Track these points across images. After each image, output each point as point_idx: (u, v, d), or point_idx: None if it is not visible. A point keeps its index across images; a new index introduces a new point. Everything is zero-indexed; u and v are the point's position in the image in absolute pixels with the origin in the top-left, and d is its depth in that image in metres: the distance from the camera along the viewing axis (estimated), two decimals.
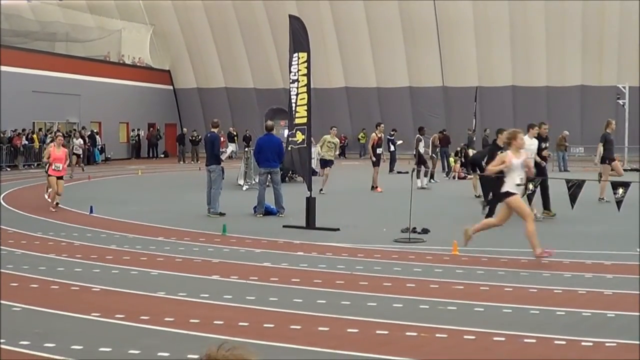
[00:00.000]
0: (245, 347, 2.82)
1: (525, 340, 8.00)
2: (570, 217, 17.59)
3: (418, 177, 27.72)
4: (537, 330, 8.33)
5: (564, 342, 7.92)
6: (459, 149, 34.88)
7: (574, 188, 15.19)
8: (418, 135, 29.47)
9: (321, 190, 24.18)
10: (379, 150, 27.05)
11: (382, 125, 28.56)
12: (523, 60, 50.66)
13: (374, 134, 27.41)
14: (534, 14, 48.94)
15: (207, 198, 19.88)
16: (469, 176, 32.43)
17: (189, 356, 7.39)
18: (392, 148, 37.65)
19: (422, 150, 29.01)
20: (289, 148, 18.27)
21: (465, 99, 48.13)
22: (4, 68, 42.85)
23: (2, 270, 11.94)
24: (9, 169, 40.08)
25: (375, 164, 26.86)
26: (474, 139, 39.81)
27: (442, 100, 53.29)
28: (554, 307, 9.41)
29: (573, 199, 15.20)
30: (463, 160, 34.13)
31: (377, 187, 26.55)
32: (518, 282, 10.95)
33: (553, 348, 7.80)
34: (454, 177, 33.22)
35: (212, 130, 20.95)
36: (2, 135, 41.39)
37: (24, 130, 43.06)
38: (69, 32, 53.28)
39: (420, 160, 28.42)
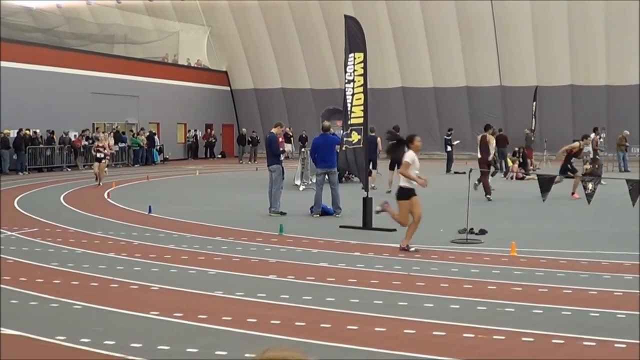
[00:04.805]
0: (294, 348, 2.80)
1: (585, 343, 7.90)
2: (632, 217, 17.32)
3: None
4: (596, 333, 8.22)
5: (624, 346, 7.81)
6: (516, 149, 34.62)
7: (635, 188, 14.98)
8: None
9: None
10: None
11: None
12: (582, 59, 49.99)
13: (577, 143, 25.42)
14: (592, 11, 48.24)
15: (268, 197, 20.00)
16: (527, 176, 32.18)
17: (246, 355, 7.44)
18: (448, 148, 37.48)
19: (492, 150, 28.48)
20: (344, 148, 18.26)
21: (523, 98, 47.71)
22: (64, 70, 43.59)
23: (63, 269, 12.16)
24: (69, 169, 40.70)
25: (573, 170, 24.89)
26: (533, 138, 39.45)
27: (500, 100, 52.83)
28: (613, 310, 9.28)
29: (634, 198, 15.00)
30: (521, 160, 33.86)
31: (574, 194, 24.09)
32: (577, 284, 10.82)
33: (613, 351, 7.69)
34: (511, 178, 32.91)
35: (272, 130, 21.09)
36: (64, 135, 42.09)
37: (84, 131, 43.68)
38: (128, 34, 53.95)
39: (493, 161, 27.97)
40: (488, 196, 23.37)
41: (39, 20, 51.33)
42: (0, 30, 41.60)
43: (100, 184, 29.51)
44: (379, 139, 27.34)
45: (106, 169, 30.99)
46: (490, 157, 24.57)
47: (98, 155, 29.99)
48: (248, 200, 23.77)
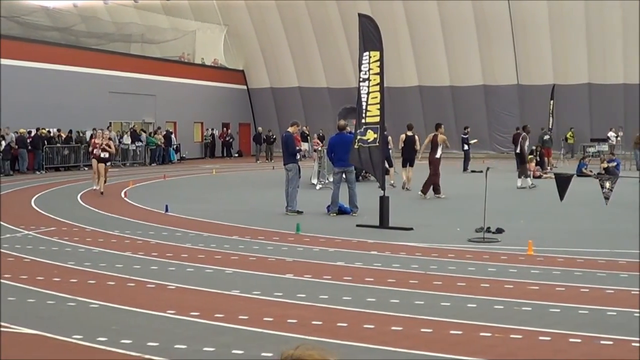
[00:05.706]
0: (322, 348, 2.80)
1: (602, 342, 7.86)
2: None
3: (521, 176, 27.38)
4: (613, 332, 8.17)
5: None
6: (534, 147, 34.49)
7: None
8: (524, 134, 28.76)
9: None
10: None
11: None
12: (599, 57, 49.73)
13: None
14: (610, 10, 47.99)
15: (285, 196, 20.00)
16: (544, 175, 32.05)
17: (263, 354, 7.44)
18: (465, 147, 37.39)
19: (526, 149, 28.40)
20: (357, 146, 18.15)
21: (540, 97, 47.48)
22: (81, 69, 43.75)
23: (80, 268, 12.21)
24: (86, 168, 40.82)
25: None
26: (545, 137, 39.20)
27: (517, 98, 52.66)
28: (631, 309, 9.23)
29: None
30: (538, 159, 33.72)
31: None
32: (595, 283, 10.77)
33: (630, 350, 7.64)
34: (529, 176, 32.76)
35: (288, 129, 21.10)
36: (82, 135, 42.20)
37: (97, 130, 43.80)
38: (144, 33, 54.08)
39: (523, 160, 27.93)
40: (422, 194, 23.57)
41: (55, 19, 51.50)
42: (0, 28, 41.68)
43: (100, 189, 25.59)
44: (389, 137, 27.32)
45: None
46: (439, 154, 23.93)
47: (103, 155, 25.68)
48: (265, 199, 23.78)
